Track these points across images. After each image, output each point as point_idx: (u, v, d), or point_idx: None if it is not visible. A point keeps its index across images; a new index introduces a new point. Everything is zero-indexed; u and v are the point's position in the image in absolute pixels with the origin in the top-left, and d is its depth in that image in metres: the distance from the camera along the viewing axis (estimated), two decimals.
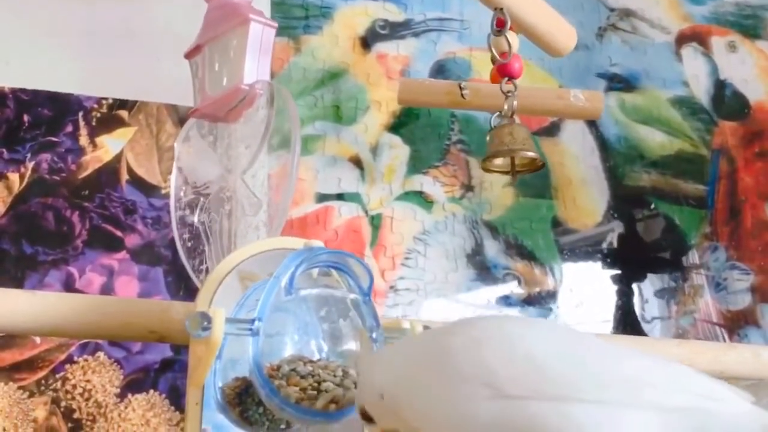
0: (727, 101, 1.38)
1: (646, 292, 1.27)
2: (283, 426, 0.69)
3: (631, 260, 1.28)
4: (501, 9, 0.89)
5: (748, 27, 1.43)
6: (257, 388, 0.62)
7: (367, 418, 0.57)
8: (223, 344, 0.67)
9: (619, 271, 1.27)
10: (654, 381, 0.50)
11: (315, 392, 0.61)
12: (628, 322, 1.24)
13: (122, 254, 1.08)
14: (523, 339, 0.51)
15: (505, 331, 0.52)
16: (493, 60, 1.02)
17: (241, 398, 0.68)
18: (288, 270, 0.63)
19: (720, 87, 1.39)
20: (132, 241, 1.09)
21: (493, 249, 1.21)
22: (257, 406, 0.68)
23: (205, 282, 0.68)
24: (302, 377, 0.62)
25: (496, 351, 0.50)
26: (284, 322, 0.65)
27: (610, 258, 1.27)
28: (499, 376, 0.49)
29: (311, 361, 0.64)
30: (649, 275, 1.28)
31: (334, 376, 0.63)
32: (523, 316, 0.56)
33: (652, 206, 1.30)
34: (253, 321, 0.62)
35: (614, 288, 1.26)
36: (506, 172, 1.01)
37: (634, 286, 1.27)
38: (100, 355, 1.04)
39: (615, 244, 1.27)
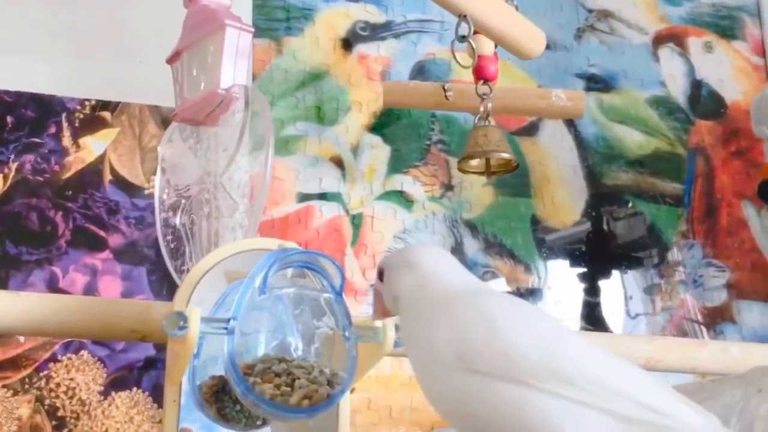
0: (704, 101, 1.40)
1: (628, 289, 1.29)
2: (259, 423, 0.71)
3: (609, 258, 1.29)
4: (465, 16, 0.90)
5: (724, 28, 1.45)
6: (232, 385, 0.63)
7: (380, 276, 0.64)
8: (201, 343, 0.69)
9: (596, 269, 1.28)
10: (623, 390, 0.51)
11: (289, 389, 0.63)
12: (600, 319, 1.26)
13: (106, 254, 1.10)
14: (508, 323, 0.54)
15: (497, 313, 0.55)
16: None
17: (218, 396, 0.70)
18: (262, 270, 0.65)
19: (696, 87, 1.41)
20: (115, 240, 1.10)
21: (472, 247, 1.23)
22: (234, 404, 0.70)
23: (183, 282, 0.69)
24: (277, 375, 0.64)
25: (480, 329, 0.53)
26: (259, 321, 0.66)
27: (589, 256, 1.29)
28: (474, 351, 0.52)
29: (286, 360, 0.65)
30: (627, 273, 1.30)
31: (308, 373, 0.64)
32: (525, 303, 0.59)
33: (630, 205, 1.32)
34: (228, 320, 0.63)
35: (591, 285, 1.28)
36: (481, 173, 1.03)
37: (611, 283, 1.29)
38: (84, 353, 1.06)
39: (593, 243, 1.29)
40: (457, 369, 0.52)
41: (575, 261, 1.28)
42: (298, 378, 0.63)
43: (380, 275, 0.63)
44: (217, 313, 0.70)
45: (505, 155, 0.95)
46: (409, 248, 0.65)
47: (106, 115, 1.15)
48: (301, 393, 0.62)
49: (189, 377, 0.71)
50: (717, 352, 0.90)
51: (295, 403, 0.62)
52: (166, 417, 0.67)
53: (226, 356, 0.63)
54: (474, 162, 1.01)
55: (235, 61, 0.80)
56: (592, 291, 1.28)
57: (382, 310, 0.64)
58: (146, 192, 1.12)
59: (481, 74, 0.95)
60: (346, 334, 0.66)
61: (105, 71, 1.16)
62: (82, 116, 1.14)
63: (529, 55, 1.00)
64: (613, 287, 1.29)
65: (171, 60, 0.86)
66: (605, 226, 1.30)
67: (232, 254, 0.71)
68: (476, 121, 1.02)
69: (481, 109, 0.95)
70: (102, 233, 1.10)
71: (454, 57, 0.95)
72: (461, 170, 1.03)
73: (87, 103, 1.14)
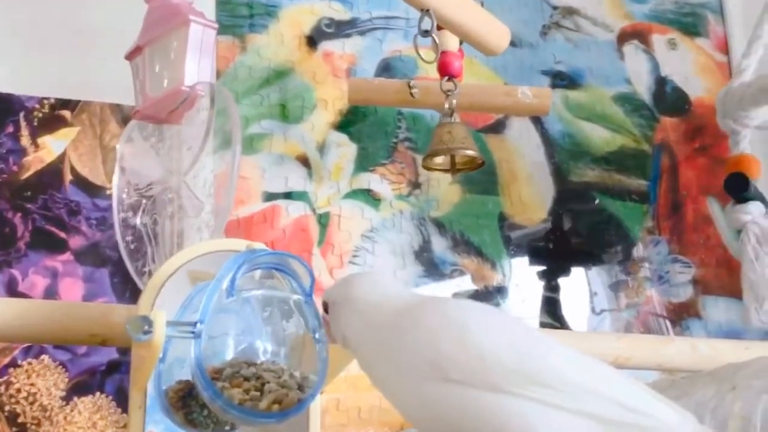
0: (668, 97, 1.41)
1: (593, 285, 1.29)
2: (227, 428, 0.69)
3: (575, 255, 1.29)
4: (428, 11, 0.89)
5: (687, 25, 1.45)
6: (200, 390, 0.62)
7: (325, 309, 0.64)
8: (167, 347, 0.67)
9: (562, 266, 1.28)
10: (599, 391, 0.51)
11: (258, 393, 0.61)
12: (564, 317, 1.26)
13: (66, 256, 1.07)
14: (479, 328, 0.53)
15: (466, 319, 0.54)
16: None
17: (185, 401, 0.68)
18: (229, 272, 0.63)
19: (661, 84, 1.41)
20: (76, 242, 1.08)
21: (440, 245, 1.22)
22: (201, 409, 0.68)
23: (147, 285, 0.67)
24: (245, 379, 0.62)
25: (451, 336, 0.52)
26: (227, 324, 0.65)
27: (555, 253, 1.28)
28: (447, 360, 0.51)
29: (254, 363, 0.64)
30: (594, 269, 1.30)
31: (278, 377, 0.63)
32: (490, 307, 0.59)
33: (597, 201, 1.32)
34: (195, 324, 0.62)
35: (557, 283, 1.28)
36: (446, 170, 1.02)
37: (575, 280, 1.29)
38: (45, 358, 1.03)
39: (560, 240, 1.29)
40: (431, 379, 0.51)
41: (542, 258, 1.28)
42: (268, 382, 0.62)
43: (325, 309, 0.64)
44: (183, 316, 0.68)
45: (470, 152, 0.94)
46: (348, 281, 0.64)
47: (66, 113, 1.12)
48: (271, 397, 0.61)
49: (154, 382, 0.69)
50: (685, 348, 0.90)
51: (264, 408, 0.61)
52: (131, 424, 0.66)
53: (193, 360, 0.61)
54: (439, 159, 1.00)
55: (199, 57, 0.79)
56: (558, 288, 1.28)
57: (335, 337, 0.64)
58: (108, 192, 1.10)
59: (445, 70, 0.94)
60: (317, 336, 0.65)
61: (64, 69, 1.14)
62: (40, 115, 1.11)
63: (494, 51, 0.99)
64: (578, 284, 1.29)
65: (131, 56, 0.84)
66: (571, 224, 1.30)
67: (199, 255, 0.69)
68: (441, 118, 1.01)
69: (446, 105, 0.95)
70: (62, 235, 1.08)
71: (417, 52, 0.93)
72: (426, 167, 1.01)
73: (46, 101, 1.12)
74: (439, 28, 0.93)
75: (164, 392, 0.69)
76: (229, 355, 0.65)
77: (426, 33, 0.89)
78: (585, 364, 0.53)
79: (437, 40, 0.91)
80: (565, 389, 0.50)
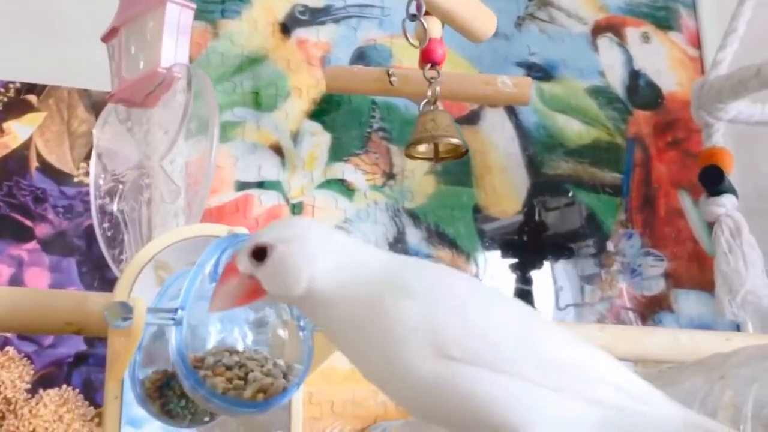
0: (641, 91, 1.41)
1: (563, 278, 1.29)
2: (206, 419, 0.67)
3: (550, 247, 1.29)
4: None
5: (660, 18, 1.46)
6: (181, 379, 0.60)
7: (258, 256, 0.52)
8: (143, 335, 0.65)
9: (537, 258, 1.28)
10: (595, 374, 0.50)
11: (242, 382, 0.60)
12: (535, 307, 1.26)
13: (32, 244, 1.04)
14: (479, 307, 0.51)
15: (464, 295, 0.51)
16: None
17: (162, 391, 0.66)
18: (212, 257, 0.61)
19: (634, 77, 1.41)
20: (42, 230, 1.05)
21: (415, 237, 1.21)
22: (179, 399, 0.66)
23: (124, 271, 0.65)
24: (228, 368, 0.61)
25: (450, 313, 0.49)
26: (208, 311, 0.63)
27: (530, 245, 1.28)
28: (447, 337, 0.48)
29: (237, 352, 0.62)
30: (568, 262, 1.29)
31: (262, 366, 0.61)
32: (484, 285, 0.56)
33: (570, 194, 1.32)
34: (175, 310, 0.60)
35: (533, 274, 1.27)
36: (430, 159, 1.01)
37: (552, 272, 1.28)
38: (9, 349, 1.00)
39: (534, 232, 1.29)
40: (432, 357, 0.48)
41: (516, 251, 1.27)
42: (252, 371, 0.60)
43: (257, 255, 0.53)
44: (159, 304, 0.66)
45: (454, 140, 0.93)
46: (297, 221, 0.56)
47: (32, 98, 1.09)
48: (256, 386, 0.59)
49: (129, 371, 0.67)
50: (667, 339, 0.89)
51: (249, 397, 0.59)
52: (107, 415, 0.63)
53: (174, 348, 0.59)
54: (422, 148, 0.99)
55: (176, 38, 0.76)
56: (531, 280, 1.27)
57: (231, 298, 0.53)
58: (75, 180, 1.07)
59: (428, 57, 0.93)
60: (301, 323, 0.63)
61: (31, 52, 1.11)
62: (6, 99, 1.08)
63: (480, 38, 0.98)
64: (547, 278, 1.28)
65: (107, 37, 0.82)
66: (545, 216, 1.30)
67: (178, 241, 0.67)
68: (423, 106, 0.99)
69: (429, 93, 0.93)
70: (28, 223, 1.05)
71: (406, 36, 0.92)
72: (409, 156, 1.00)
73: (11, 85, 1.08)
74: (425, 13, 0.91)
75: (141, 382, 0.66)
76: (211, 343, 0.63)
77: (414, 17, 0.88)
78: (582, 348, 0.51)
79: (425, 25, 0.90)
80: (564, 371, 0.49)
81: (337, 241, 0.53)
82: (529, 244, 1.28)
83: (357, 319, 0.50)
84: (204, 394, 0.59)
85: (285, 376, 0.61)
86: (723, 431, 0.51)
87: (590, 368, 0.50)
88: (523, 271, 1.27)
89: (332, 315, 0.51)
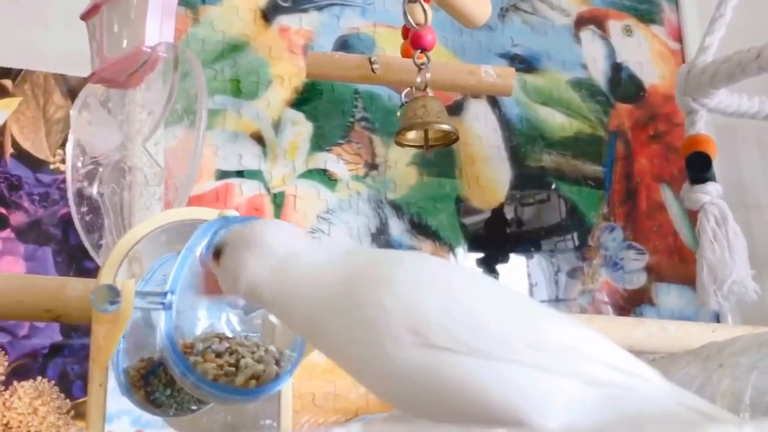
0: (624, 84, 1.41)
1: (546, 271, 1.28)
2: (194, 407, 0.65)
3: (532, 240, 1.28)
4: None
5: (643, 12, 1.45)
6: (170, 365, 0.57)
7: (215, 255, 0.54)
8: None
9: (520, 250, 1.27)
10: (589, 353, 0.48)
11: (233, 369, 0.58)
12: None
13: (6, 233, 1.01)
14: (464, 291, 0.49)
15: (446, 279, 0.49)
16: (404, 33, 1.00)
17: (147, 380, 0.64)
18: (202, 240, 0.59)
19: (617, 70, 1.41)
20: (17, 218, 1.02)
21: (397, 228, 1.20)
22: (164, 388, 0.64)
23: (110, 254, 0.63)
24: (218, 354, 0.59)
25: (432, 298, 0.47)
26: (197, 296, 0.61)
27: (512, 237, 1.27)
28: (431, 324, 0.46)
29: (227, 338, 0.60)
30: (549, 254, 1.28)
31: (253, 352, 0.59)
32: (463, 266, 0.54)
33: (553, 186, 1.31)
34: (165, 294, 0.58)
35: (516, 266, 1.26)
36: (420, 146, 0.99)
37: (535, 264, 1.27)
38: None
39: (517, 224, 1.28)
40: (410, 345, 0.46)
41: (499, 242, 1.26)
42: (243, 357, 0.58)
43: (215, 253, 0.54)
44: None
45: (446, 127, 0.91)
46: (256, 226, 0.55)
47: (7, 83, 1.06)
48: (248, 373, 0.58)
49: (113, 358, 0.64)
50: (655, 330, 0.89)
51: (241, 384, 0.57)
52: (91, 403, 0.61)
53: (164, 333, 0.57)
54: (412, 134, 0.97)
55: (161, 16, 0.74)
56: (518, 272, 1.27)
57: (202, 287, 0.57)
58: (52, 167, 1.04)
59: (419, 43, 0.91)
60: None
61: (5, 36, 1.08)
62: None
63: (476, 23, 0.97)
64: (534, 268, 1.27)
65: (87, 15, 0.79)
66: (529, 208, 1.29)
67: (165, 224, 0.65)
68: (409, 94, 0.98)
69: (418, 79, 0.91)
70: (3, 210, 1.02)
71: (405, 16, 0.90)
72: (398, 144, 0.98)
73: None
74: None
75: (124, 370, 0.64)
76: (199, 329, 0.61)
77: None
78: (571, 325, 0.50)
79: (425, 7, 0.88)
80: (555, 351, 0.47)
81: (288, 247, 0.52)
82: (512, 236, 1.27)
83: (318, 318, 0.49)
84: (194, 380, 0.57)
85: (277, 362, 0.59)
86: (716, 412, 0.50)
87: (580, 344, 0.48)
88: (505, 262, 1.26)
89: (291, 319, 0.51)
